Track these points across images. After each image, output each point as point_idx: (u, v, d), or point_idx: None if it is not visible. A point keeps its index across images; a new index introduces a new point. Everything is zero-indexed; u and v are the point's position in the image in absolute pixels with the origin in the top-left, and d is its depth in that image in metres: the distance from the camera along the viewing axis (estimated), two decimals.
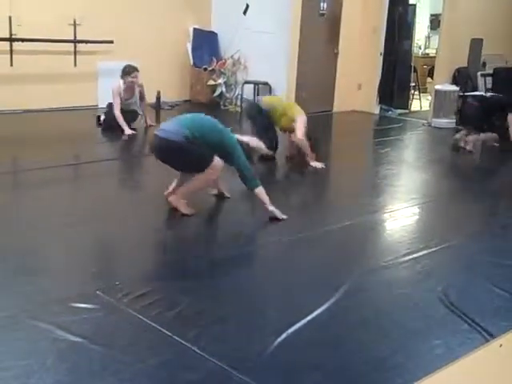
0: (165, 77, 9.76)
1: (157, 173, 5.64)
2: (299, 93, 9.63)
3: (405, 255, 4.07)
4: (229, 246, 4.26)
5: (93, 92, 9.12)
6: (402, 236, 4.58)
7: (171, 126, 4.60)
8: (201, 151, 4.52)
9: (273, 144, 6.44)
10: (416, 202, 5.42)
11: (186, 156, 4.53)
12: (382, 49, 10.10)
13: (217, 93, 9.81)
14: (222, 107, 9.80)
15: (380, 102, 10.33)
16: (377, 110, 10.31)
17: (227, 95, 9.91)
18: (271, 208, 4.58)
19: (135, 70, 7.59)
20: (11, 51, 8.05)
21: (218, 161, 4.58)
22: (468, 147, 7.49)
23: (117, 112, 7.39)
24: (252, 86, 9.69)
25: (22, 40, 7.81)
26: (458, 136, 7.79)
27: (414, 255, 4.07)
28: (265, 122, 6.51)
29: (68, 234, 4.22)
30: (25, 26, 7.99)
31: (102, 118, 7.63)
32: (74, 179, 5.99)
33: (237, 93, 9.89)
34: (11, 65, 8.14)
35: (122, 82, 7.48)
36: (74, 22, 8.65)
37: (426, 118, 9.61)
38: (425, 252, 4.14)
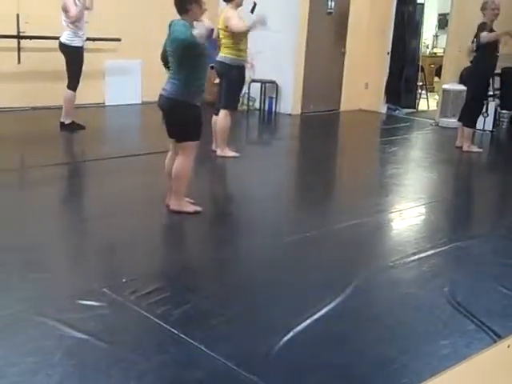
0: None
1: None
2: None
3: (412, 255, 4.06)
4: (235, 245, 4.26)
5: (100, 90, 9.13)
6: (409, 236, 4.57)
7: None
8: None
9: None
10: (423, 202, 5.41)
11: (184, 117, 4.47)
12: (389, 48, 10.07)
13: None
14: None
15: (387, 101, 10.31)
16: (384, 110, 10.29)
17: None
18: None
19: None
20: (19, 49, 8.06)
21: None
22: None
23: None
24: (259, 84, 9.68)
25: (30, 37, 7.82)
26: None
27: (421, 255, 4.06)
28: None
29: (75, 232, 4.23)
30: (32, 23, 8.00)
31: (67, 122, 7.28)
32: (83, 176, 6.00)
33: (244, 91, 9.87)
34: (19, 62, 8.15)
35: None
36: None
37: (434, 117, 9.58)
38: (432, 252, 4.13)
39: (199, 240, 4.36)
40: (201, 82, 4.44)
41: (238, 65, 6.35)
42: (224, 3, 6.40)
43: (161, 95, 4.44)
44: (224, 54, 6.33)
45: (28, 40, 8.06)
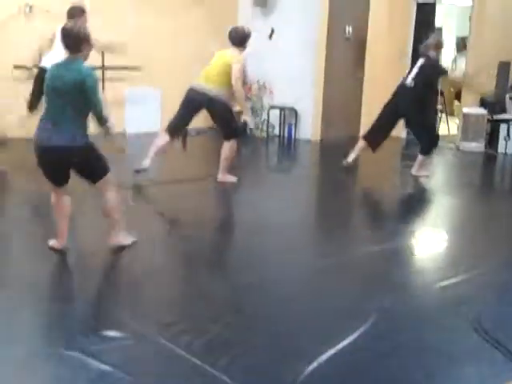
0: None
1: (194, 199, 5.65)
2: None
3: (435, 282, 4.02)
4: (255, 272, 4.24)
5: (120, 118, 9.22)
6: (431, 262, 4.53)
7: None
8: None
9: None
10: (445, 228, 5.37)
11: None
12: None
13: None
14: (248, 132, 9.83)
15: (407, 126, 10.27)
16: (404, 134, 10.25)
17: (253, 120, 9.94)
18: None
19: None
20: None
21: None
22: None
23: None
24: (278, 110, 9.73)
25: None
26: None
27: (445, 282, 4.01)
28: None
29: (99, 261, 4.24)
30: None
31: None
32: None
33: (263, 118, 9.93)
34: None
35: None
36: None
37: (454, 141, 9.53)
38: (456, 279, 4.07)
39: (220, 268, 4.34)
40: None
41: (227, 101, 6.42)
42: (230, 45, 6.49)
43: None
44: (217, 88, 6.28)
45: None
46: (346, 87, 9.95)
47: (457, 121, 10.39)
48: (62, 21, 7.64)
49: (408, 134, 10.23)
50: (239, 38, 6.42)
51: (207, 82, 6.33)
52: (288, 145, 9.76)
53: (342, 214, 6.01)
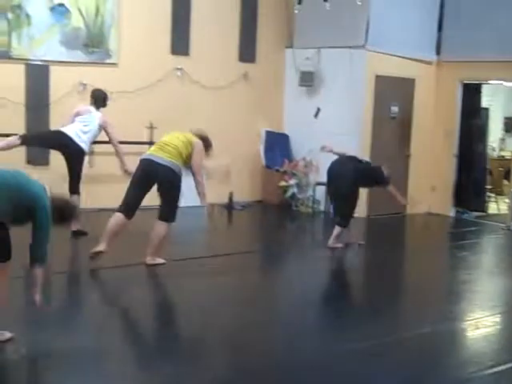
0: (237, 177, 9.91)
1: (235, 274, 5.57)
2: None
3: (489, 367, 3.82)
4: (295, 350, 4.09)
5: None
6: (484, 346, 4.32)
7: None
8: None
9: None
10: (498, 310, 5.14)
11: None
12: (456, 151, 10.00)
13: (288, 194, 9.83)
14: (293, 208, 9.79)
15: (455, 205, 10.11)
16: (452, 213, 10.06)
17: (299, 196, 9.91)
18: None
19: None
20: (91, 153, 8.36)
21: None
22: None
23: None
24: (324, 187, 9.68)
25: (105, 142, 8.08)
26: None
27: (500, 368, 3.82)
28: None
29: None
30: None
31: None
32: (161, 276, 6.00)
33: (308, 194, 9.90)
34: (91, 166, 8.41)
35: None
36: (151, 125, 8.99)
37: (505, 221, 9.29)
38: (511, 364, 3.86)
39: (257, 346, 4.21)
40: None
41: (180, 175, 5.98)
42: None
43: None
44: (172, 160, 5.84)
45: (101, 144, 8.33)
46: (392, 164, 9.85)
47: (506, 200, 10.18)
48: (113, 97, 7.96)
49: (457, 212, 10.06)
50: None
51: (167, 155, 5.88)
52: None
53: (390, 292, 5.83)
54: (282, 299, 5.53)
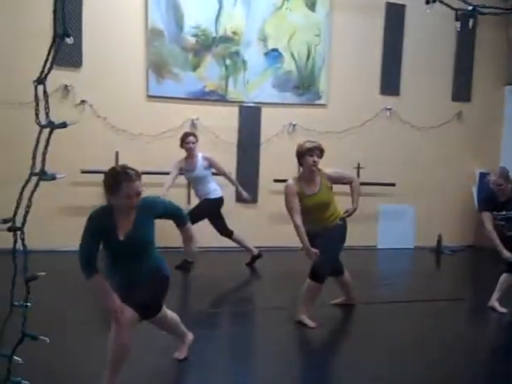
0: (446, 220, 9.50)
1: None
2: None
3: None
4: None
5: (373, 233, 9.21)
6: None
7: None
8: None
9: None
10: None
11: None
12: None
13: None
14: None
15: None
16: None
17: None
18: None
19: (190, 135, 7.20)
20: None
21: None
22: None
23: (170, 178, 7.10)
24: None
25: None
26: None
27: None
28: None
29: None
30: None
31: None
32: (355, 318, 5.89)
33: None
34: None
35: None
36: (358, 165, 8.97)
37: None
38: None
39: None
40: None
41: None
42: None
43: None
44: None
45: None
46: None
47: None
48: (321, 137, 8.04)
49: None
50: None
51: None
52: None
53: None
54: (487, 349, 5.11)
